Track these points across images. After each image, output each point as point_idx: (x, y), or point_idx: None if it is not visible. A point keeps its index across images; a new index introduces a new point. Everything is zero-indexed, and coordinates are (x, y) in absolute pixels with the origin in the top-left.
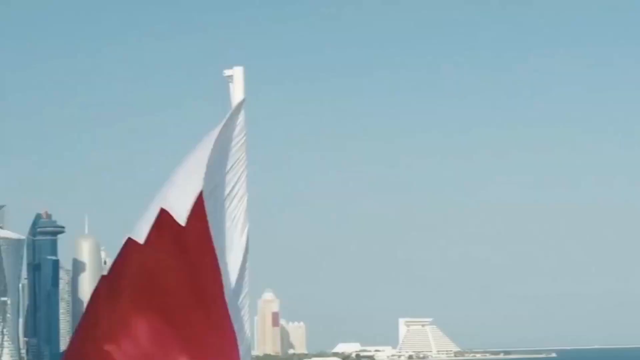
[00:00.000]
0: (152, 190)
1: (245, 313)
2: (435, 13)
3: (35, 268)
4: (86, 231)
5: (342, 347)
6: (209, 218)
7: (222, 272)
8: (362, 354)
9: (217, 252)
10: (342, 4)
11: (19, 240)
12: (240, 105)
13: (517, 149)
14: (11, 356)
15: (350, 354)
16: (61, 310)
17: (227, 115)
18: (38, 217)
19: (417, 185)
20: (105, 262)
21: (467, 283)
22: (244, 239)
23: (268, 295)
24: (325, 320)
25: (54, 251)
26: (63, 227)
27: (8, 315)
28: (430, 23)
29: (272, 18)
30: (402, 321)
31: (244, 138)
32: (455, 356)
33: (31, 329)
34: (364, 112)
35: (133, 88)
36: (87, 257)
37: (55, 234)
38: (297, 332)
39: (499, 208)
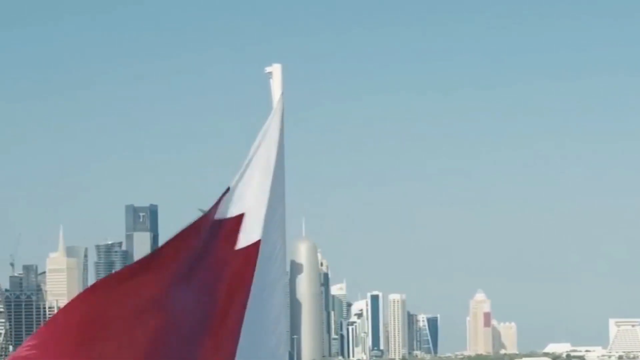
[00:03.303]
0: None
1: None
2: None
3: None
4: (303, 234)
5: (553, 347)
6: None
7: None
8: (572, 354)
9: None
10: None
11: None
12: (280, 100)
13: None
14: None
15: (561, 354)
16: None
17: (273, 112)
18: None
19: (620, 185)
20: (321, 264)
21: None
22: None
23: (479, 296)
24: (536, 320)
25: None
26: None
27: None
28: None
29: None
30: (612, 321)
31: (281, 131)
32: None
33: None
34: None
35: None
36: (305, 259)
37: None
38: (508, 332)
39: None
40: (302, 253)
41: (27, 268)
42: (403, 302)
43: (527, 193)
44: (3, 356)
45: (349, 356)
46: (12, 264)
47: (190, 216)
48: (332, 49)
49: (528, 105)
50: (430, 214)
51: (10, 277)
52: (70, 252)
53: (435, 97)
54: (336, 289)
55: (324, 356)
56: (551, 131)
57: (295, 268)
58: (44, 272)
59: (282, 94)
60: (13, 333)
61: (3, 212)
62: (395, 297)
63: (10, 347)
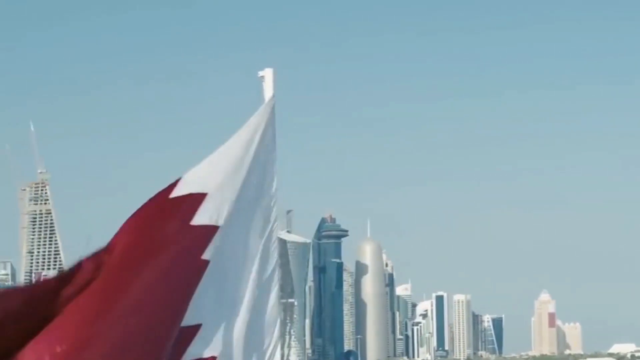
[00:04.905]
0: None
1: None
2: None
3: (320, 270)
4: (368, 234)
5: (618, 348)
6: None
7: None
8: (637, 354)
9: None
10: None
11: (305, 244)
12: (270, 101)
13: None
14: (297, 356)
15: (626, 354)
16: (345, 312)
17: (259, 110)
18: (323, 221)
19: None
20: (386, 265)
21: None
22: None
23: (544, 296)
24: (601, 321)
25: (338, 254)
26: (346, 231)
27: (295, 316)
28: None
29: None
30: None
31: (272, 132)
32: None
33: (317, 330)
34: None
35: None
36: (370, 259)
37: (339, 237)
38: (573, 332)
39: None
40: (367, 253)
41: None
42: (468, 303)
43: (593, 193)
44: None
45: (413, 356)
46: None
47: None
48: (374, 49)
49: (602, 107)
50: (495, 214)
51: None
52: None
53: (506, 97)
54: (401, 290)
55: (388, 356)
56: (615, 134)
57: (361, 268)
58: None
59: (273, 95)
60: None
61: (72, 213)
62: (460, 297)
63: None
